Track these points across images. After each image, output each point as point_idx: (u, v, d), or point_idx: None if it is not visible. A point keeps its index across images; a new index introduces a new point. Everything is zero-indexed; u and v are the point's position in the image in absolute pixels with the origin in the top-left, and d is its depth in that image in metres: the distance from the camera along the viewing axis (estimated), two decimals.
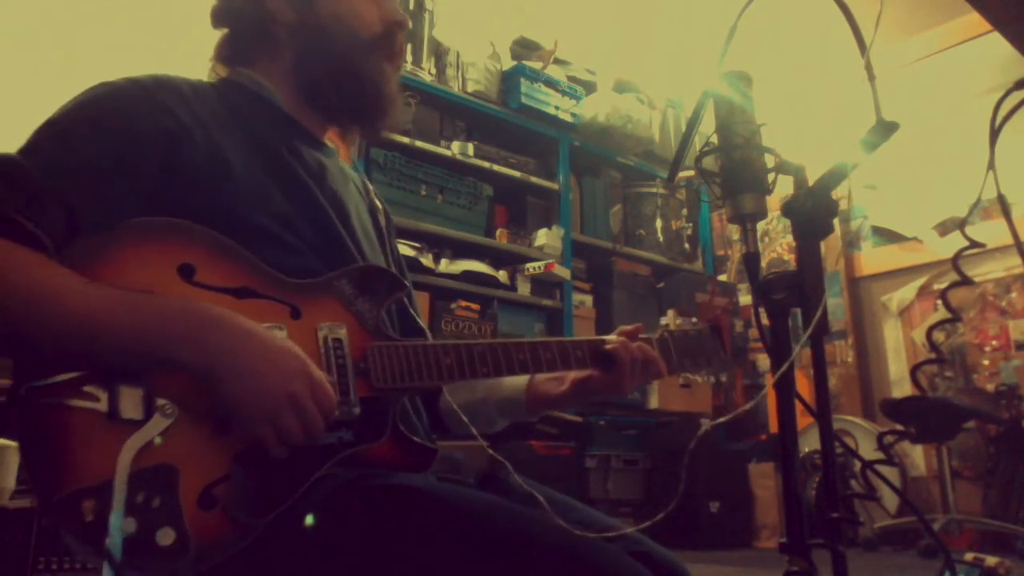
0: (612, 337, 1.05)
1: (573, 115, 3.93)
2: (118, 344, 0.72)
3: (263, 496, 0.75)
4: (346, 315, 0.87)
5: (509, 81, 3.79)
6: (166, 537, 0.69)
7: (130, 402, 0.72)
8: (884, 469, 0.87)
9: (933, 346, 0.96)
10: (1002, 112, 0.87)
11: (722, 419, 1.04)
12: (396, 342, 0.89)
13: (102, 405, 0.71)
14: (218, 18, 1.05)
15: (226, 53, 1.05)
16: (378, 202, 1.17)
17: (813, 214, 0.81)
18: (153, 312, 0.74)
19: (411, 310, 1.09)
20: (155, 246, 0.79)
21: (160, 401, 0.74)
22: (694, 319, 1.19)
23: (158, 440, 0.72)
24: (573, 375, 1.06)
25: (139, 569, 0.68)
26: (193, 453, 0.74)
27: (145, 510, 0.69)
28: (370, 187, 1.19)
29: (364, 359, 0.86)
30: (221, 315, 0.76)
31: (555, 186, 3.83)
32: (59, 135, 0.82)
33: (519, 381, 1.08)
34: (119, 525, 0.67)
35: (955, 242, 0.95)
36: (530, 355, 0.97)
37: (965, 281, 0.86)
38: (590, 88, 4.13)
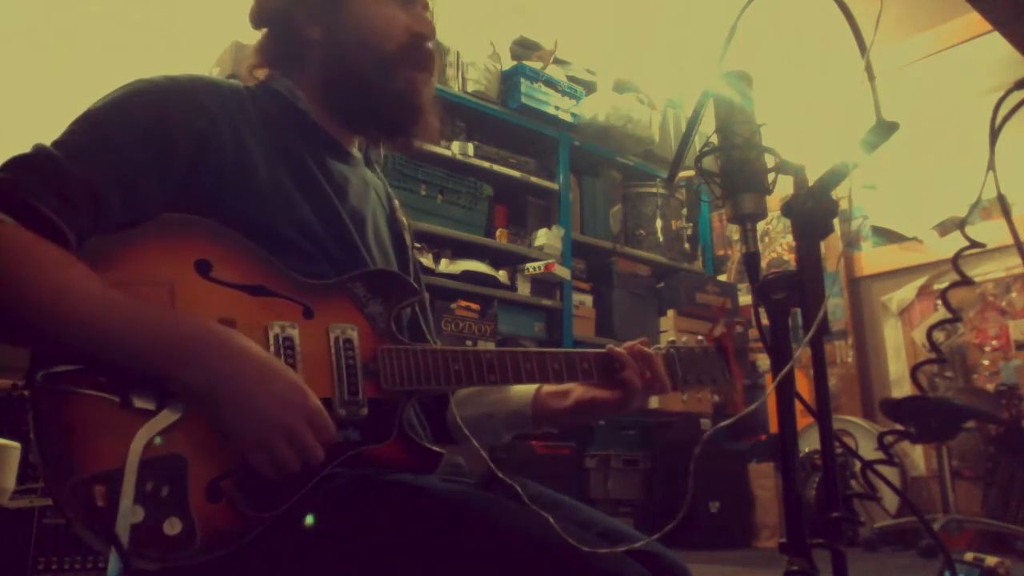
0: (618, 349, 1.06)
1: (573, 115, 3.93)
2: (124, 358, 0.74)
3: (269, 491, 0.76)
4: (358, 317, 0.89)
5: (509, 81, 3.78)
6: (173, 527, 0.71)
7: (143, 393, 0.74)
8: (884, 469, 0.87)
9: (933, 346, 0.95)
10: (1002, 112, 0.87)
11: (724, 423, 1.03)
12: (406, 345, 0.90)
13: (115, 395, 0.73)
14: (255, 20, 1.07)
15: (266, 56, 1.06)
16: (403, 219, 1.18)
17: (813, 214, 0.81)
18: (161, 333, 0.75)
19: (422, 320, 1.11)
20: (175, 241, 0.82)
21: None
22: (700, 337, 1.19)
23: (162, 434, 0.73)
24: (578, 393, 1.07)
25: (145, 557, 0.69)
26: (203, 446, 0.75)
27: (154, 499, 0.71)
28: (396, 203, 1.19)
29: (374, 360, 0.87)
30: (228, 338, 0.77)
31: (555, 186, 3.83)
32: (93, 129, 0.83)
33: (524, 397, 1.08)
34: (128, 513, 0.68)
35: (955, 242, 0.95)
36: (537, 365, 0.98)
37: (965, 281, 0.86)
38: (590, 88, 4.13)
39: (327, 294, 0.88)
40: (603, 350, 1.06)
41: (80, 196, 0.78)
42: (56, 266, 0.74)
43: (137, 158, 0.83)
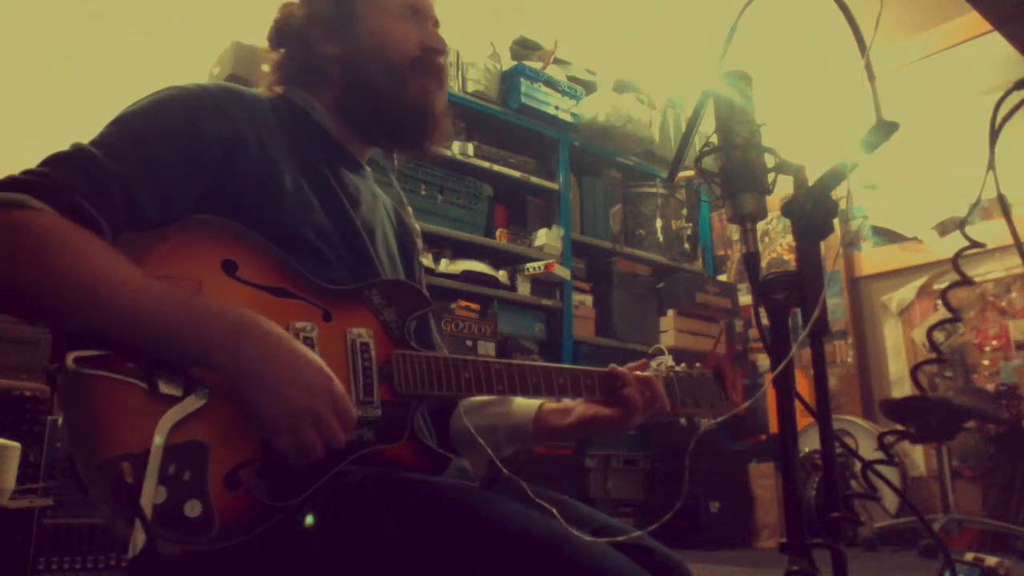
0: (621, 369, 1.11)
1: (573, 115, 3.93)
2: (159, 340, 0.76)
3: (286, 483, 0.78)
4: (374, 322, 0.93)
5: (509, 81, 3.78)
6: (193, 509, 0.73)
7: (170, 380, 0.76)
8: (884, 469, 0.87)
9: (933, 346, 0.95)
10: (1002, 112, 0.87)
11: (719, 418, 1.06)
12: (419, 352, 0.94)
13: (143, 381, 0.75)
14: (274, 42, 1.11)
15: (284, 73, 1.10)
16: (415, 225, 1.23)
17: (813, 214, 0.81)
18: (196, 315, 0.77)
19: (431, 324, 1.16)
20: (202, 241, 0.85)
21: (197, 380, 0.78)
22: (697, 364, 1.23)
23: (186, 420, 0.75)
24: (580, 410, 1.11)
25: (167, 538, 0.71)
26: (224, 434, 0.77)
27: (176, 482, 0.73)
28: (409, 210, 1.24)
29: (388, 364, 0.91)
30: (258, 323, 0.79)
31: (555, 186, 3.83)
32: (129, 131, 0.87)
33: (527, 411, 1.12)
34: (151, 492, 0.70)
35: (955, 242, 0.95)
36: (543, 378, 1.03)
37: (965, 281, 0.86)
38: (590, 88, 4.13)
39: (345, 299, 0.91)
40: (606, 369, 1.10)
41: (116, 192, 0.81)
42: (95, 251, 0.76)
43: (169, 160, 0.86)
